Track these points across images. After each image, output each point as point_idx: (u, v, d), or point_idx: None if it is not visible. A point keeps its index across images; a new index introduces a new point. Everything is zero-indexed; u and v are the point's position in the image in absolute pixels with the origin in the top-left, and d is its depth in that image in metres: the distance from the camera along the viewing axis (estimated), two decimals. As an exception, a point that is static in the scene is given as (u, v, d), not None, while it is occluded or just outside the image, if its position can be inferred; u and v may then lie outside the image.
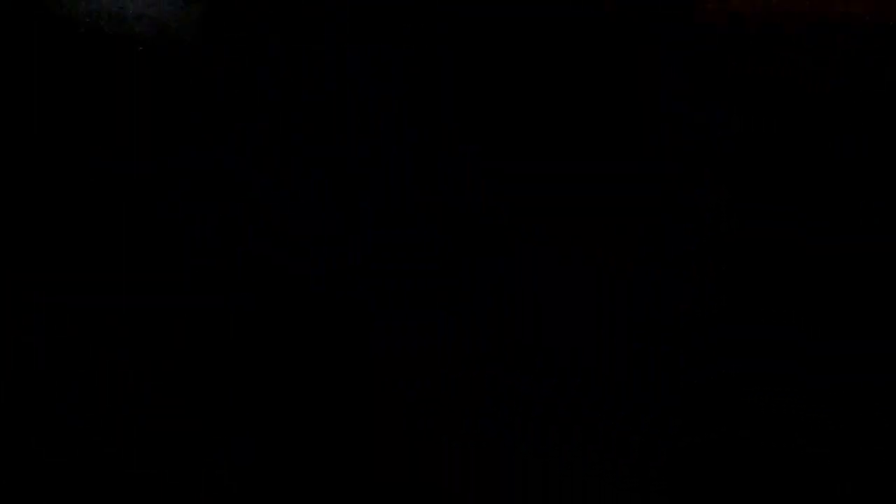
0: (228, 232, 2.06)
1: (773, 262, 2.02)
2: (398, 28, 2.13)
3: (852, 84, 2.07)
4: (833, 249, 2.02)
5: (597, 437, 1.93)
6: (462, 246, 2.05)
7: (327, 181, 2.08)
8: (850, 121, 2.07)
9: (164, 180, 2.08)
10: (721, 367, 1.99)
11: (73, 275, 2.04)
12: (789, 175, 2.07)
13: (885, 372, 1.98)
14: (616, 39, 2.11)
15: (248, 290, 2.03)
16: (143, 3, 2.18)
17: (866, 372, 1.98)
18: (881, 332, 2.00)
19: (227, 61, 2.12)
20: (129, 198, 2.07)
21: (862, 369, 1.98)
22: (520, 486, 1.91)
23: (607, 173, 2.08)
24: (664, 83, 2.09)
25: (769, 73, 2.08)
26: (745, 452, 1.92)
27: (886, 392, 1.96)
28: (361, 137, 2.10)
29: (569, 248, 2.04)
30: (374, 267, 2.05)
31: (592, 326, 2.02)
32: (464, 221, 2.06)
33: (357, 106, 2.11)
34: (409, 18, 2.13)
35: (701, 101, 2.08)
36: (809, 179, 2.06)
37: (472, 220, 2.06)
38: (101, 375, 1.99)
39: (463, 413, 1.96)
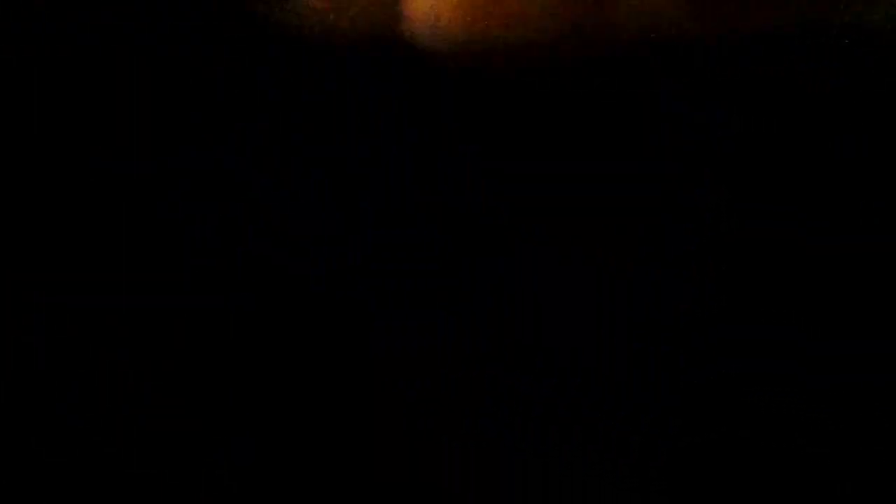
0: (228, 232, 2.06)
1: (773, 262, 2.02)
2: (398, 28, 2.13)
3: (852, 84, 2.07)
4: (833, 249, 2.02)
5: (597, 437, 1.93)
6: (462, 246, 2.05)
7: (327, 181, 2.08)
8: (851, 121, 2.07)
9: (164, 180, 2.08)
10: (721, 367, 1.99)
11: (73, 275, 2.04)
12: (789, 175, 2.06)
13: (885, 372, 1.98)
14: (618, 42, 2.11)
15: (248, 290, 2.03)
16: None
17: (866, 372, 1.98)
18: (881, 332, 2.00)
19: (227, 61, 2.12)
20: (129, 198, 2.07)
21: (862, 369, 1.98)
22: (520, 486, 1.90)
23: (607, 173, 2.08)
24: (664, 83, 2.09)
25: (769, 73, 2.08)
26: (745, 452, 1.92)
27: (886, 392, 1.96)
28: (361, 137, 2.10)
29: (569, 248, 2.04)
30: (374, 267, 2.05)
31: (592, 326, 2.02)
32: (464, 221, 2.06)
33: (357, 106, 2.11)
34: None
35: (701, 101, 2.08)
36: (809, 179, 2.06)
37: (472, 220, 2.06)
38: (101, 375, 1.99)
39: (463, 413, 1.96)
